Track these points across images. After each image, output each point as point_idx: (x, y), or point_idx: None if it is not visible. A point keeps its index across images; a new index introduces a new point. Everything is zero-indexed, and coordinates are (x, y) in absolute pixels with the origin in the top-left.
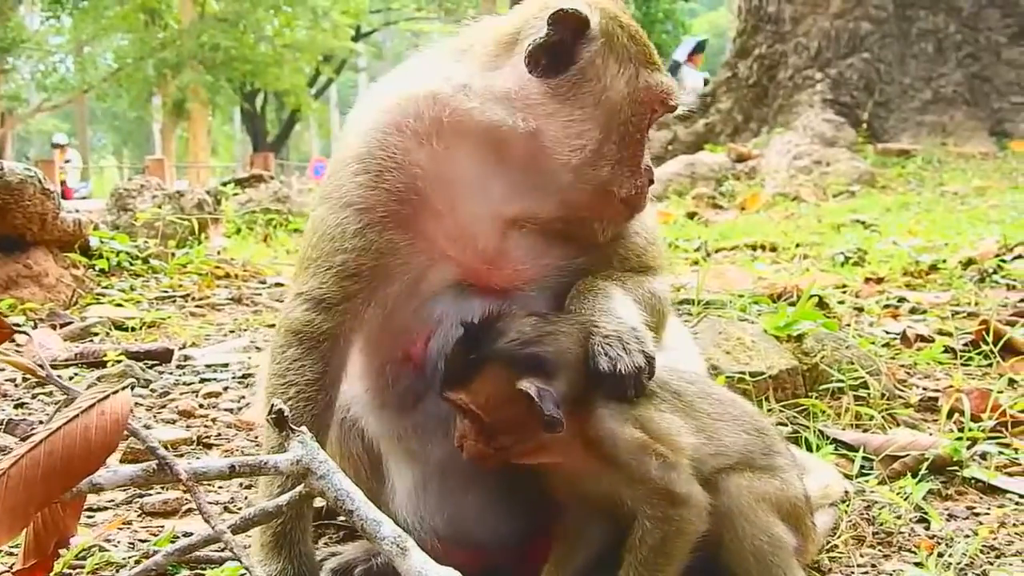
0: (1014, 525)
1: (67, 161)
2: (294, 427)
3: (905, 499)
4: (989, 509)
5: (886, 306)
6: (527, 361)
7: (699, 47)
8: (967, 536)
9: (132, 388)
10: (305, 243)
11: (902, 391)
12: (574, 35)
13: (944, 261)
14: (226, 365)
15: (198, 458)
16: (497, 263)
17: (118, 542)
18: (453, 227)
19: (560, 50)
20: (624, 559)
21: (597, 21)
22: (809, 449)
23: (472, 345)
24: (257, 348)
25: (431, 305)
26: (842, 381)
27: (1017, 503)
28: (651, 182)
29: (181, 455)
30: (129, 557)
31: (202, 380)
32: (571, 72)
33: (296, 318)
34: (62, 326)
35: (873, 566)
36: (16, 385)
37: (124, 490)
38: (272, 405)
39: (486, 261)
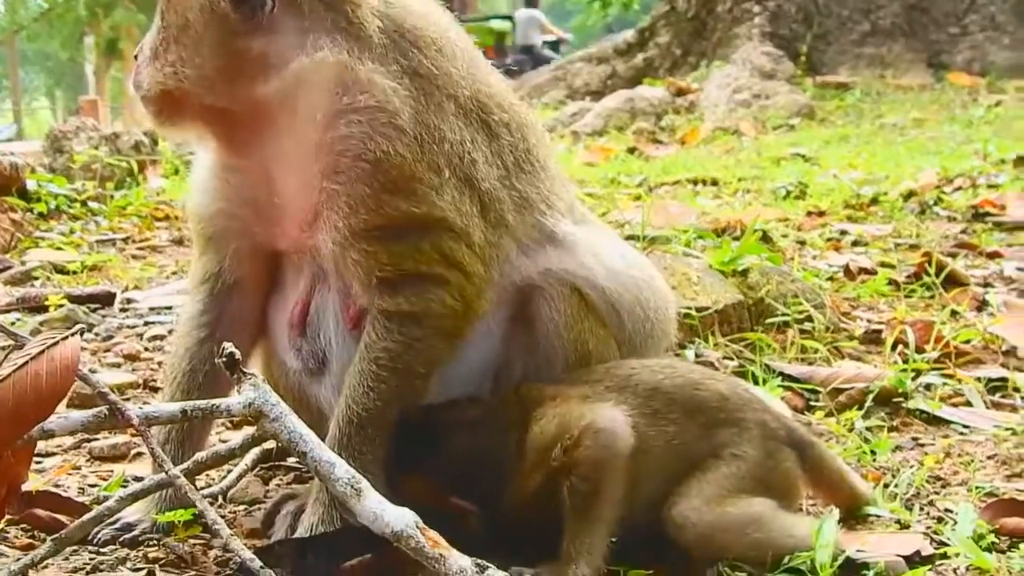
0: (959, 455)
1: None
2: (245, 370)
3: (851, 431)
4: (934, 440)
5: (828, 239)
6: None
7: None
8: (913, 467)
9: (82, 334)
10: None
11: (846, 324)
12: None
13: (885, 193)
14: (170, 308)
15: (146, 402)
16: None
17: (68, 487)
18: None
19: None
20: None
21: None
22: (756, 383)
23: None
24: None
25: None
26: (787, 315)
27: (961, 433)
28: None
29: (128, 399)
30: (80, 502)
31: (146, 323)
32: None
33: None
34: (2, 271)
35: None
36: None
37: (72, 435)
38: (223, 347)
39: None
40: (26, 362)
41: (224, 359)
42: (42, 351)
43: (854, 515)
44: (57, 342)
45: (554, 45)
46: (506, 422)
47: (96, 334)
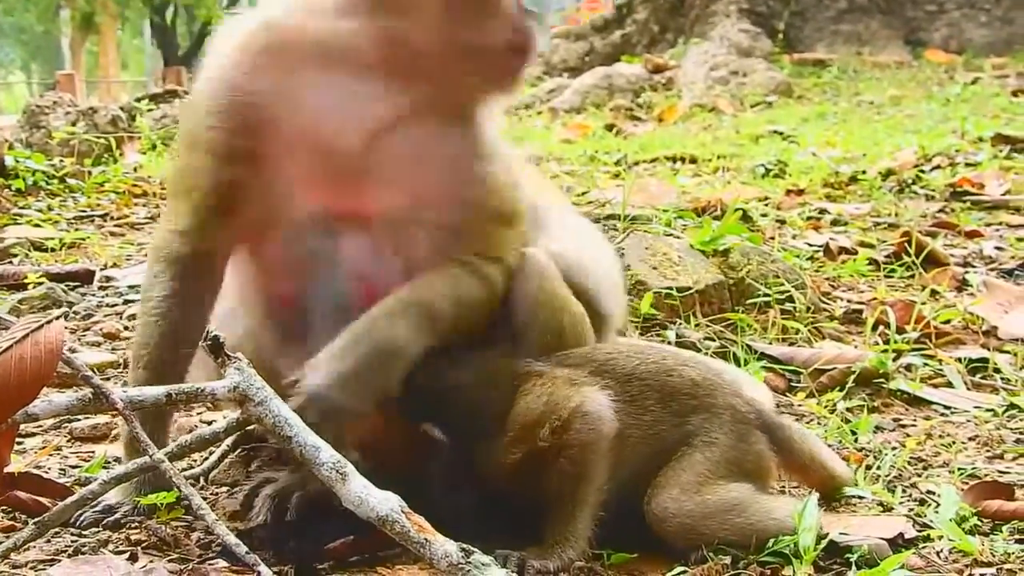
0: (940, 437)
1: None
2: (230, 354)
3: (832, 412)
4: (915, 421)
5: (808, 218)
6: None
7: None
8: (894, 448)
9: (66, 317)
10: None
11: (827, 304)
12: None
13: (863, 172)
14: None
15: (127, 382)
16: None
17: (49, 468)
18: (309, 153)
19: None
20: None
21: None
22: (737, 364)
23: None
24: None
25: (296, 244)
26: (768, 295)
27: (942, 414)
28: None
29: (108, 379)
30: (62, 484)
31: (125, 301)
32: None
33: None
34: None
35: None
36: None
37: (53, 415)
38: (207, 332)
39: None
40: (10, 346)
41: (208, 343)
42: (26, 335)
43: (833, 496)
44: (41, 326)
45: None
46: (490, 389)
47: (75, 313)
